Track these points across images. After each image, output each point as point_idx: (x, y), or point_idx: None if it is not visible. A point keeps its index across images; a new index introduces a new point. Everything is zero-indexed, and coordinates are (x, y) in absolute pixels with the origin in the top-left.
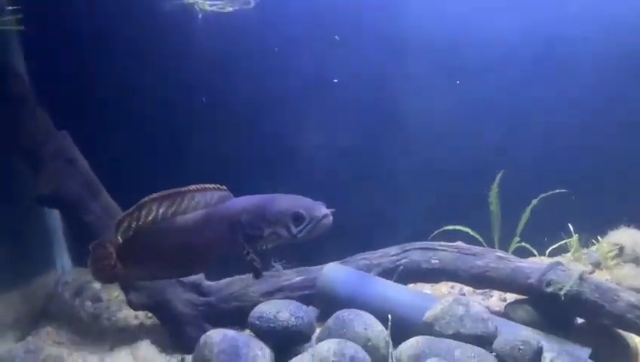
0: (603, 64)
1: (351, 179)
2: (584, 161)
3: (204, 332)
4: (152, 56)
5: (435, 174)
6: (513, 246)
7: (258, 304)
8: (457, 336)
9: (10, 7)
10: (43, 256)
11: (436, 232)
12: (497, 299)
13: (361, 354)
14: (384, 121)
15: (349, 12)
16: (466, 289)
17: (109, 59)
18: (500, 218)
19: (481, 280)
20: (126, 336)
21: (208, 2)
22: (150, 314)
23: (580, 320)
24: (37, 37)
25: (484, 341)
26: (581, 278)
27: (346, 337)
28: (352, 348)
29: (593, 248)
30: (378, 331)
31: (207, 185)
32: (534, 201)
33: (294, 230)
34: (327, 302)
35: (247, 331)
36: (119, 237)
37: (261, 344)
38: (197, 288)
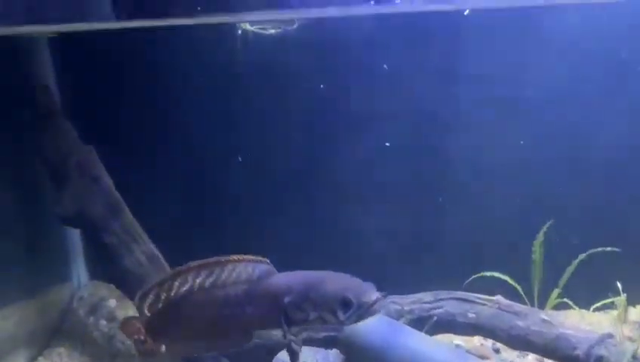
0: None
1: (386, 216)
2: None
3: None
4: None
5: (480, 219)
6: (553, 300)
7: (279, 343)
8: None
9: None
10: (59, 266)
11: (473, 277)
12: (534, 359)
13: None
14: (431, 161)
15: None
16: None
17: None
18: (541, 268)
19: (521, 343)
20: None
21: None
22: None
23: None
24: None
25: None
26: (634, 357)
27: None
28: None
29: None
30: None
31: (247, 256)
32: (582, 256)
33: (342, 316)
34: (354, 351)
35: None
36: (146, 311)
37: None
38: None
